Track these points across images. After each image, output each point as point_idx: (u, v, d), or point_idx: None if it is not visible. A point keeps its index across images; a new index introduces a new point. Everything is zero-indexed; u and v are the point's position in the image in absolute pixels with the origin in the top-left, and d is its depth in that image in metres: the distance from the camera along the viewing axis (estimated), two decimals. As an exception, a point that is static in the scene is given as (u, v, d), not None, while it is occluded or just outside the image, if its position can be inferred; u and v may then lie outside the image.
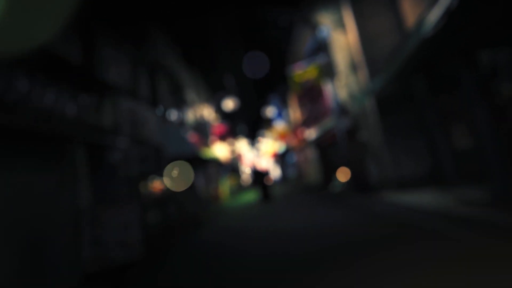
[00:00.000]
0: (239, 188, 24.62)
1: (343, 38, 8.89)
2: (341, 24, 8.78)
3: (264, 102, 25.96)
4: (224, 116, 22.27)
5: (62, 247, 4.53)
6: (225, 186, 18.55)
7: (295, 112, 19.57)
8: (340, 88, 9.89)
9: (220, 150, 17.55)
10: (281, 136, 23.98)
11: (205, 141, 15.25)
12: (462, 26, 3.84)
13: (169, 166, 5.18)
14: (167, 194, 9.09)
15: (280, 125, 24.42)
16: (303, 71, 10.96)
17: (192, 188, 12.45)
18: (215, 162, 15.95)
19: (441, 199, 5.41)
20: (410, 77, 5.47)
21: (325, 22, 9.79)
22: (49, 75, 4.35)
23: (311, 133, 14.28)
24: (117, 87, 6.63)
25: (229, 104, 19.93)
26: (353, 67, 8.60)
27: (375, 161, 8.19)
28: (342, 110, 9.47)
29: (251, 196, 16.97)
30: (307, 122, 15.06)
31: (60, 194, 4.52)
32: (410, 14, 5.87)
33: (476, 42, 4.20)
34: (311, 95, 12.18)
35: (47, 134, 4.17)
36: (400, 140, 7.07)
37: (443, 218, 4.70)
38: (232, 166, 23.14)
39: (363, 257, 3.71)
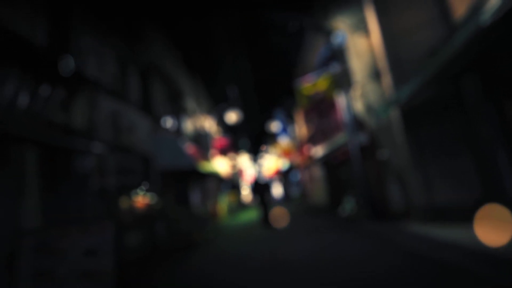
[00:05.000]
0: (239, 205, 23.30)
1: (363, 41, 7.90)
2: (361, 26, 7.82)
3: (269, 117, 24.94)
4: (226, 129, 21.26)
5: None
6: (224, 203, 17.30)
7: (301, 128, 18.56)
8: (356, 100, 8.83)
9: (220, 165, 16.43)
10: (285, 153, 22.87)
11: (205, 154, 14.15)
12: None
13: None
14: (155, 211, 7.91)
15: (284, 141, 23.36)
16: (312, 83, 9.97)
17: (186, 204, 11.27)
18: (215, 176, 14.81)
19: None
20: (458, 79, 4.40)
21: (341, 27, 8.87)
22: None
23: (318, 150, 13.15)
24: (97, 84, 5.61)
25: (232, 116, 18.92)
26: (375, 74, 7.56)
27: (398, 184, 6.99)
28: (357, 124, 8.38)
29: (251, 215, 15.71)
30: (314, 138, 13.95)
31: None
32: (458, 1, 4.84)
33: None
34: (320, 109, 11.12)
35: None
36: (434, 159, 5.85)
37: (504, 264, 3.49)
38: (233, 182, 21.92)
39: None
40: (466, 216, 4.62)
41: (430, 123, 5.82)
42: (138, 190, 7.27)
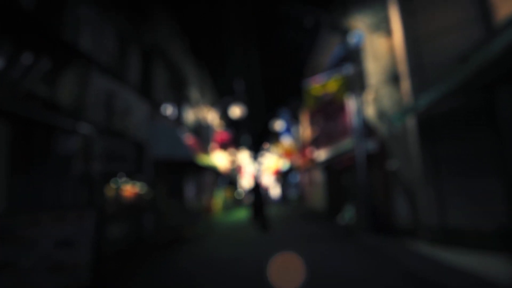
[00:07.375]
0: (235, 202, 22.86)
1: (382, 42, 7.38)
2: (382, 27, 7.30)
3: (273, 115, 24.43)
4: (229, 123, 20.77)
5: None
6: (219, 198, 16.85)
7: (305, 130, 18.06)
8: (368, 104, 8.32)
9: (219, 159, 15.97)
10: (287, 153, 22.41)
11: (204, 146, 13.69)
12: None
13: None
14: (145, 202, 7.46)
15: (287, 141, 22.88)
16: (322, 84, 9.45)
17: (180, 196, 10.81)
18: (212, 170, 14.35)
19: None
20: (491, 89, 3.90)
21: (359, 26, 8.34)
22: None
23: (321, 154, 12.66)
24: (91, 59, 5.14)
25: (236, 111, 18.42)
26: (392, 78, 7.04)
27: (407, 198, 6.50)
28: (367, 130, 7.88)
29: (246, 214, 15.28)
30: (318, 141, 13.49)
31: None
32: (502, 0, 4.32)
33: None
34: (327, 111, 10.62)
35: None
36: (451, 175, 5.33)
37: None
38: (230, 178, 21.47)
39: None
40: (483, 242, 4.14)
41: (450, 136, 5.29)
42: (126, 178, 6.82)
